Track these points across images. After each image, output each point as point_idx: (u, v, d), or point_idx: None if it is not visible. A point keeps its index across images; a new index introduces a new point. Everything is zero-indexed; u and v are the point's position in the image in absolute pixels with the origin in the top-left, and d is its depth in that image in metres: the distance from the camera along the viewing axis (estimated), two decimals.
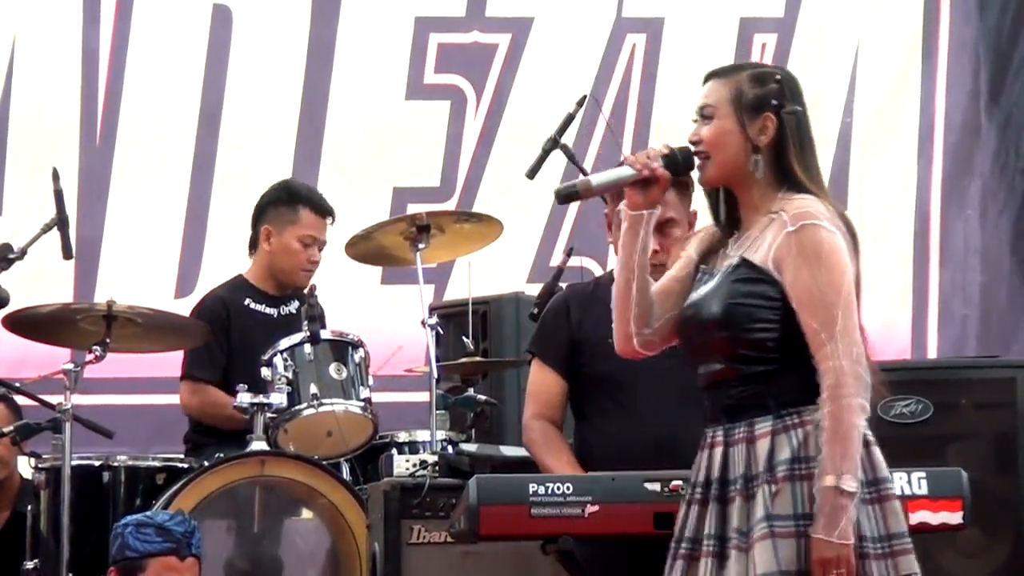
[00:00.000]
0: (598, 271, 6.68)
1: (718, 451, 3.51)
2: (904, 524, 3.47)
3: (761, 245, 3.49)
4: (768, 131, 3.53)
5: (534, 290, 5.87)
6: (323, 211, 5.91)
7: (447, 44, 7.23)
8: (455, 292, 6.67)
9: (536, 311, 5.30)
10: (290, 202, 5.90)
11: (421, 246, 5.53)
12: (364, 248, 5.73)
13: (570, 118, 5.57)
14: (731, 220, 3.59)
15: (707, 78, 3.60)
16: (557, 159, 5.64)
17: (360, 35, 7.15)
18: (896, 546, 3.44)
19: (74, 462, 5.20)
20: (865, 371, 3.44)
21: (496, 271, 6.57)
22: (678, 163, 3.55)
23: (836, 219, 3.51)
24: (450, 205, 7.03)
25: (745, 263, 3.50)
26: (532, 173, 5.60)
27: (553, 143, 5.52)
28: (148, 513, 4.76)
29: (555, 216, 7.17)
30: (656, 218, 3.57)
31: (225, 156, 6.98)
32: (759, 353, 3.46)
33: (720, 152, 3.53)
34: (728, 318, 3.47)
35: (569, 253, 5.71)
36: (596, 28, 7.34)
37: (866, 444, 3.46)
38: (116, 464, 5.35)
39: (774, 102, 3.53)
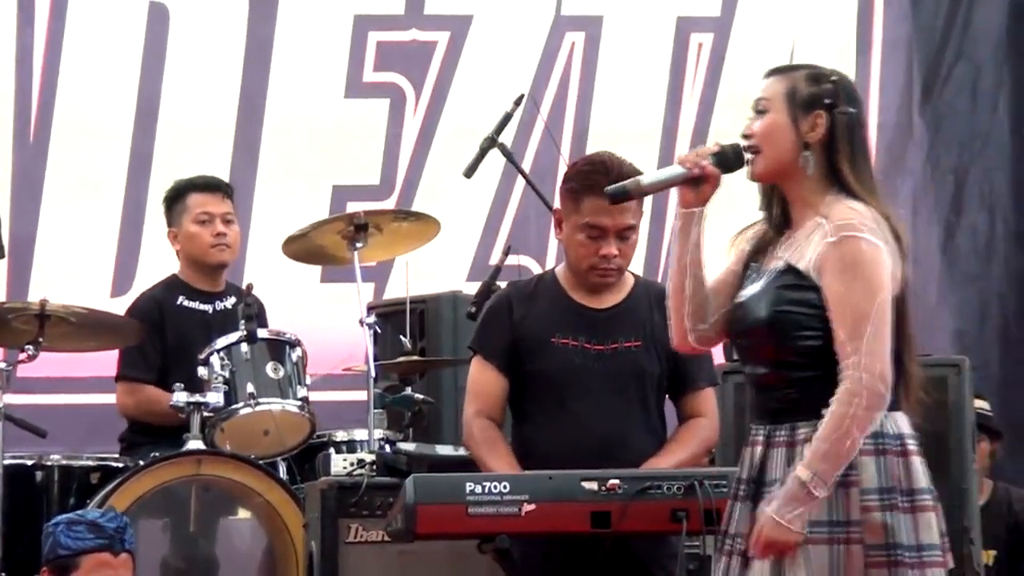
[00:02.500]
0: (536, 269, 6.69)
1: (759, 450, 3.53)
2: (937, 537, 3.49)
3: (806, 251, 3.51)
4: (819, 129, 3.53)
5: (472, 289, 5.88)
6: (208, 187, 5.92)
7: (386, 42, 7.22)
8: (393, 291, 6.66)
9: (474, 310, 5.31)
10: (177, 196, 5.92)
11: (359, 245, 5.53)
12: (302, 247, 5.72)
13: (507, 117, 5.59)
14: (783, 218, 3.60)
15: (767, 75, 3.62)
16: (495, 158, 5.65)
17: (298, 33, 7.13)
18: (926, 557, 3.47)
19: (6, 461, 5.18)
20: (886, 390, 3.44)
21: (434, 270, 6.57)
22: (729, 159, 3.58)
23: (882, 227, 3.51)
24: (390, 203, 7.02)
25: (791, 269, 3.51)
26: (470, 172, 5.61)
27: (491, 142, 5.53)
28: (79, 511, 4.73)
29: (494, 215, 7.18)
30: (705, 216, 3.56)
31: (162, 155, 6.95)
32: (804, 360, 3.48)
33: (770, 146, 3.54)
34: (774, 325, 3.50)
35: (507, 252, 5.72)
36: (535, 26, 7.35)
37: (904, 454, 3.48)
38: (49, 463, 5.33)
39: (827, 101, 3.54)
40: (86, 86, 6.94)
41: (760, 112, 3.57)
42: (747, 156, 3.57)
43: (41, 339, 5.30)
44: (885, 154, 7.50)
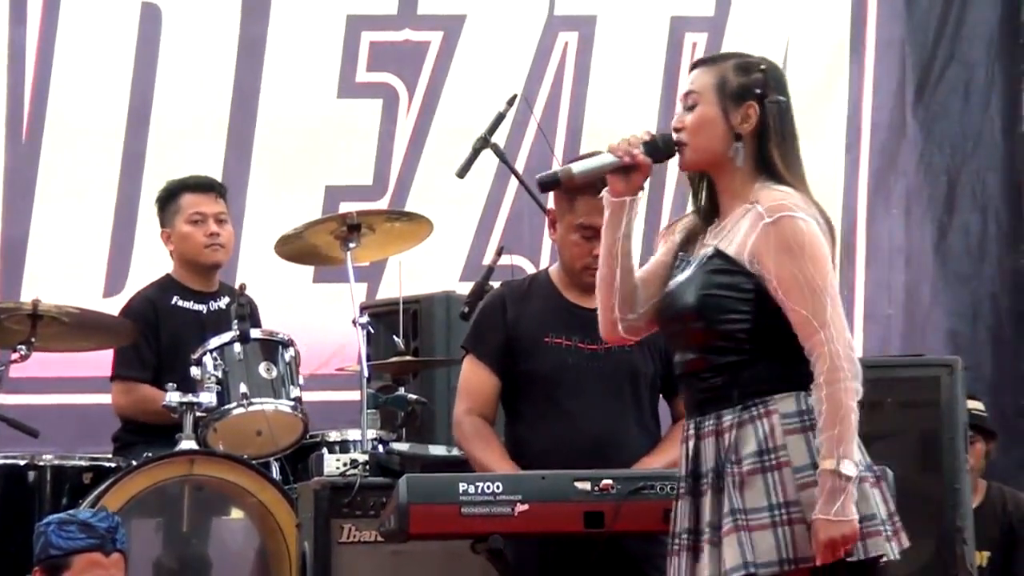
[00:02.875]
0: (530, 269, 6.69)
1: (691, 444, 3.54)
2: (876, 508, 3.48)
3: (736, 236, 3.52)
4: (751, 119, 3.56)
5: (465, 289, 5.87)
6: (201, 187, 5.91)
7: (379, 42, 7.22)
8: (386, 291, 6.66)
9: (467, 310, 5.30)
10: (169, 197, 5.92)
11: (352, 245, 5.53)
12: (295, 247, 5.72)
13: (500, 117, 5.58)
14: (711, 207, 3.61)
15: (694, 66, 3.64)
16: (488, 158, 5.64)
17: (291, 33, 7.12)
18: (866, 528, 3.45)
19: None
20: (855, 357, 3.48)
21: (427, 270, 6.57)
22: (659, 149, 3.58)
23: (812, 209, 3.53)
24: (382, 203, 7.02)
25: (719, 254, 3.53)
26: (463, 172, 5.61)
27: (484, 142, 5.53)
28: (71, 511, 4.72)
29: (487, 215, 7.18)
30: (637, 206, 3.59)
31: (155, 155, 6.94)
32: (731, 344, 3.49)
33: (701, 138, 3.55)
34: (702, 308, 3.51)
35: (500, 252, 5.72)
36: (528, 26, 7.34)
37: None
38: (42, 463, 5.32)
39: (758, 91, 3.57)
40: (78, 86, 6.93)
41: (690, 104, 3.57)
42: (677, 147, 3.57)
43: (33, 339, 5.30)
44: (878, 154, 7.51)
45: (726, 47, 7.44)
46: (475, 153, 5.53)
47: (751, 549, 3.39)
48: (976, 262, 7.56)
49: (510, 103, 5.64)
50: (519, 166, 6.63)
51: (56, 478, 5.29)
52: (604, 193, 3.59)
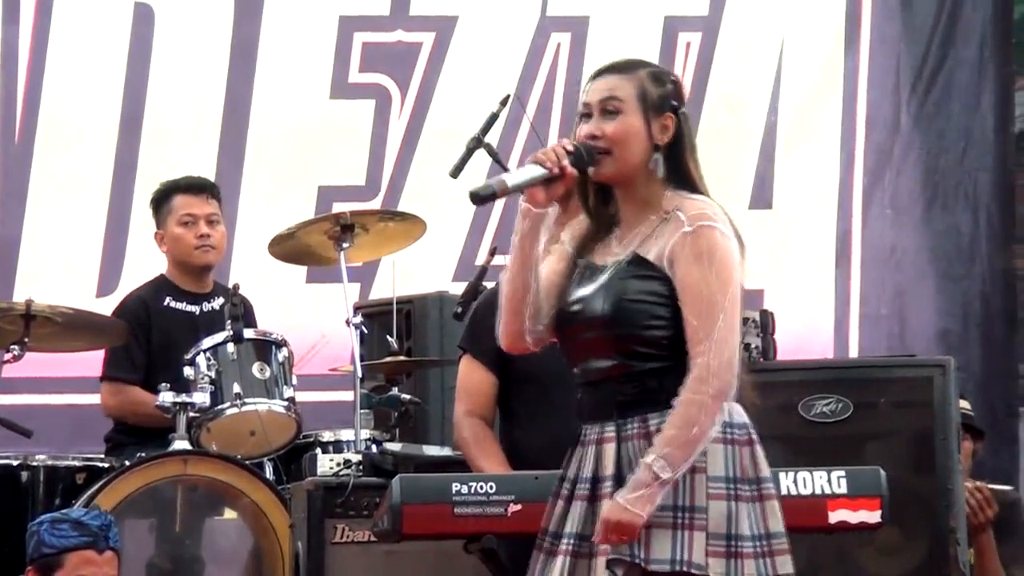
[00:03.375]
0: None
1: (609, 447, 3.50)
2: (782, 525, 3.49)
3: (656, 243, 3.51)
4: (668, 131, 3.56)
5: (458, 289, 5.87)
6: (193, 188, 5.91)
7: (371, 43, 7.22)
8: (379, 291, 6.66)
9: (460, 310, 5.31)
10: (162, 198, 5.91)
11: (345, 245, 5.53)
12: (288, 247, 5.72)
13: (494, 117, 5.59)
14: (606, 214, 3.58)
15: (603, 72, 3.59)
16: (481, 158, 5.65)
17: (284, 34, 7.12)
18: (775, 545, 3.47)
19: None
20: (734, 378, 3.46)
21: (420, 270, 6.57)
22: (583, 159, 3.54)
23: (729, 224, 3.54)
24: (375, 204, 7.02)
25: (638, 259, 3.51)
26: (456, 172, 5.61)
27: (477, 142, 5.54)
28: (63, 510, 4.72)
29: (479, 215, 7.18)
30: (556, 214, 3.56)
31: (147, 155, 6.94)
32: (653, 350, 3.49)
33: (624, 149, 3.53)
34: (621, 315, 3.49)
35: (493, 252, 5.72)
36: (520, 27, 7.35)
37: (750, 443, 3.49)
38: (35, 464, 5.31)
39: (673, 103, 3.57)
40: (71, 86, 6.92)
41: (610, 112, 3.54)
42: (599, 155, 3.54)
43: (27, 339, 5.30)
44: (872, 152, 7.53)
45: (720, 47, 7.45)
46: (469, 153, 5.54)
47: (648, 545, 3.40)
48: (968, 262, 7.57)
49: (503, 103, 5.64)
50: (511, 167, 6.63)
51: (49, 478, 5.29)
52: (523, 204, 3.54)
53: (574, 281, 3.57)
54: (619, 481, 3.46)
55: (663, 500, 3.41)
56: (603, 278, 3.53)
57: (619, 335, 3.49)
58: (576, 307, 3.55)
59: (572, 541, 3.48)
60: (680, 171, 3.56)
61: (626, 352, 3.49)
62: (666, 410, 3.44)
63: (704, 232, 3.47)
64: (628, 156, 3.53)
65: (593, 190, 3.59)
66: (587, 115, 3.56)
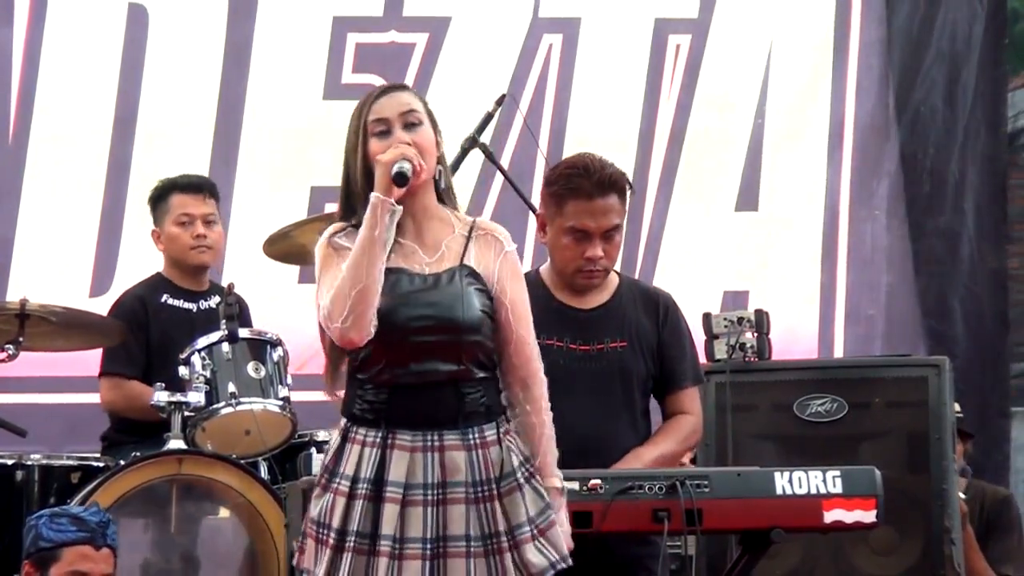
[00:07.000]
0: None
1: (435, 455, 3.62)
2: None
3: (480, 258, 3.68)
4: (441, 145, 3.76)
5: None
6: (190, 188, 5.90)
7: (365, 44, 7.23)
8: None
9: None
10: (160, 197, 5.91)
11: None
12: (282, 247, 5.73)
13: (489, 117, 5.60)
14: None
15: (388, 89, 3.74)
16: (471, 158, 5.66)
17: (277, 35, 7.13)
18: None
19: None
20: None
21: None
22: (414, 164, 3.67)
23: None
24: None
25: (472, 272, 3.68)
26: (451, 171, 5.60)
27: (472, 142, 5.54)
28: (62, 506, 4.71)
29: (470, 215, 7.17)
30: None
31: (141, 155, 6.94)
32: (488, 361, 3.69)
33: (429, 159, 3.71)
34: (480, 324, 3.65)
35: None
36: (513, 28, 7.36)
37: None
38: (30, 463, 5.31)
39: (434, 120, 3.77)
40: (65, 86, 6.92)
41: (412, 124, 3.70)
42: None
43: (21, 338, 5.30)
44: (861, 155, 7.55)
45: (709, 49, 7.47)
46: (464, 153, 5.55)
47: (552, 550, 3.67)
48: (958, 262, 7.60)
49: (499, 103, 5.65)
50: (504, 164, 6.64)
51: (44, 477, 5.28)
52: (385, 199, 3.61)
53: (403, 285, 3.65)
54: (475, 486, 3.61)
55: (520, 516, 3.65)
56: (451, 287, 3.66)
57: (476, 342, 3.65)
58: (428, 310, 3.65)
59: (429, 544, 3.59)
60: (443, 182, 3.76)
61: (475, 359, 3.66)
62: (494, 421, 3.66)
63: (513, 252, 3.74)
64: (429, 166, 3.71)
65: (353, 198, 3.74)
66: (386, 130, 3.69)
